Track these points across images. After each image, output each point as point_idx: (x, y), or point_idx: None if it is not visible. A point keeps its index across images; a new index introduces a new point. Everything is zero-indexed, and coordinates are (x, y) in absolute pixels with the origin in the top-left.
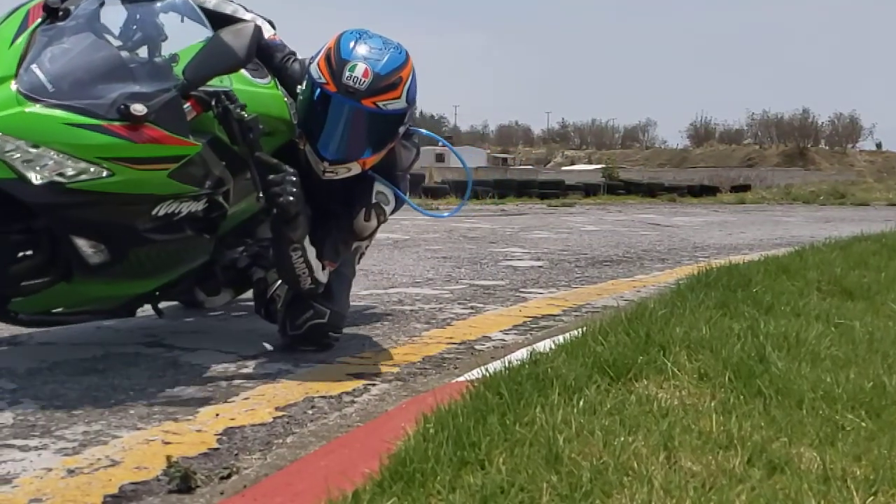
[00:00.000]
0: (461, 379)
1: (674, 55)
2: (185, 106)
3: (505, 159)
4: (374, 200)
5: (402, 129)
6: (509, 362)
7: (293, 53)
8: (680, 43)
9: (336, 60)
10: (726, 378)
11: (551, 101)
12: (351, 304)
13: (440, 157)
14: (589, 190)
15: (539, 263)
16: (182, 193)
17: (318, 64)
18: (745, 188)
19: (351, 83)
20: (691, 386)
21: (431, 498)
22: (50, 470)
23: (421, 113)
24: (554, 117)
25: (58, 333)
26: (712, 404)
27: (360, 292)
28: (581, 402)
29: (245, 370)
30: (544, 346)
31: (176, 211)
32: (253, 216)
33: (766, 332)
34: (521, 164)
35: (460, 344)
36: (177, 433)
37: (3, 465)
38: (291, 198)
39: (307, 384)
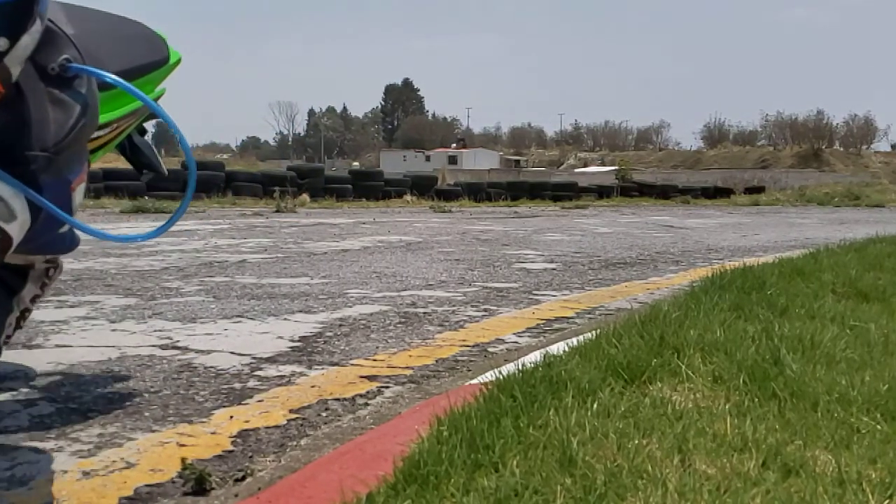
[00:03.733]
0: (474, 381)
1: (687, 57)
2: None
3: (518, 161)
4: None
5: (17, 50)
6: (523, 365)
7: None
8: (694, 44)
9: None
10: (741, 381)
11: (564, 103)
12: (362, 307)
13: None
14: (602, 192)
15: (552, 266)
16: None
17: None
18: (759, 190)
19: None
20: (706, 388)
21: (445, 501)
22: (65, 472)
23: (433, 115)
24: (567, 119)
25: (72, 336)
26: (727, 407)
27: (374, 294)
28: (595, 405)
29: (259, 372)
30: (558, 348)
31: None
32: None
33: (781, 334)
34: (533, 166)
35: (473, 346)
36: (191, 435)
37: (18, 466)
38: None
39: (320, 387)
